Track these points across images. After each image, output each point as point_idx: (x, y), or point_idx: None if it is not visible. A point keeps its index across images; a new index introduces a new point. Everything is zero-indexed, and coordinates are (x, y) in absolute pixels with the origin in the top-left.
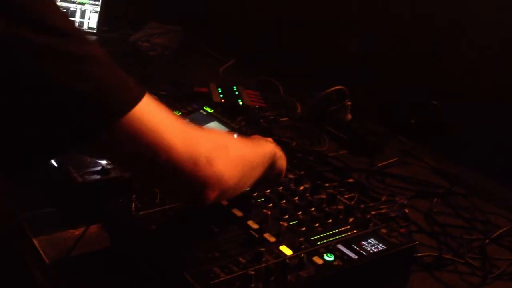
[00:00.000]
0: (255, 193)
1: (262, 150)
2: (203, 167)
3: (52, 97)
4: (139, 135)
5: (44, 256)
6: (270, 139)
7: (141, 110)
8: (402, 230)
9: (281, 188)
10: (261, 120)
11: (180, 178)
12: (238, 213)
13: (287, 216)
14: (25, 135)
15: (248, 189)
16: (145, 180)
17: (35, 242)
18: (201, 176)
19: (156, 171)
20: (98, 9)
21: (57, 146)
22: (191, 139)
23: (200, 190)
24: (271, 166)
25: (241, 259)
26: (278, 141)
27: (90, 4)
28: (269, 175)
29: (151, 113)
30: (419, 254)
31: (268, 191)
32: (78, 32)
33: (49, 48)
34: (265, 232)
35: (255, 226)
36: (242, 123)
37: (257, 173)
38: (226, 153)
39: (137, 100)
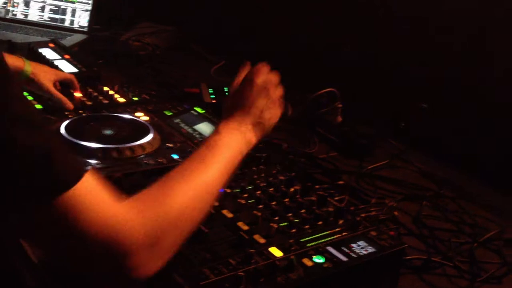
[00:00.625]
0: (245, 194)
1: (227, 159)
2: (118, 259)
3: None
4: (67, 215)
5: (32, 256)
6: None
7: (76, 192)
8: (392, 233)
9: (271, 189)
10: None
11: (95, 265)
12: (229, 214)
13: (277, 218)
14: None
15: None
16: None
17: (24, 242)
18: (114, 267)
19: (72, 253)
20: (89, 7)
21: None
22: (117, 226)
23: (116, 278)
24: (259, 128)
25: (231, 260)
26: (269, 143)
27: (81, 2)
28: (265, 127)
29: (83, 195)
30: (408, 257)
31: (259, 192)
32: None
33: None
34: (255, 233)
35: (245, 227)
36: None
37: (225, 182)
38: (156, 243)
39: (73, 181)
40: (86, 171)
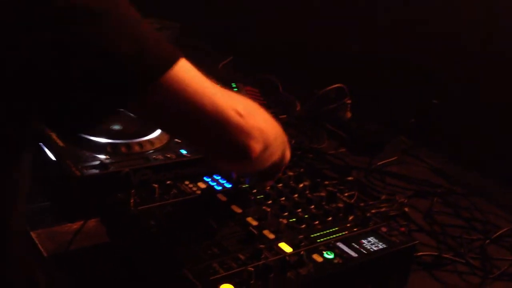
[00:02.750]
0: (254, 189)
1: (280, 128)
2: (246, 118)
3: (96, 62)
4: (184, 86)
5: (42, 250)
6: None
7: (181, 66)
8: (402, 229)
9: (280, 185)
10: None
11: (227, 129)
12: (238, 210)
13: (286, 213)
14: (73, 99)
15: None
16: (193, 137)
17: (33, 235)
18: (245, 125)
19: (204, 122)
20: None
21: (109, 107)
22: (229, 93)
23: (246, 141)
24: (284, 153)
25: (240, 255)
26: None
27: None
28: (282, 162)
29: (191, 69)
30: (418, 254)
31: (268, 187)
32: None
33: (85, 12)
34: (265, 229)
35: (255, 222)
36: None
37: (281, 146)
38: (260, 111)
39: (176, 57)
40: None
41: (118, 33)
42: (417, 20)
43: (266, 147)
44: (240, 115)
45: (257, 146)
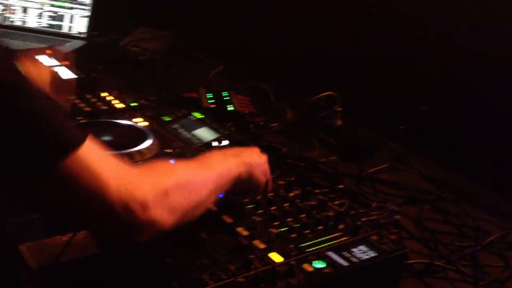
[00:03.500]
0: (245, 199)
1: (218, 171)
2: (135, 212)
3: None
4: (78, 175)
5: (30, 263)
6: (256, 148)
7: (83, 151)
8: (393, 237)
9: (271, 194)
10: (251, 125)
11: (112, 221)
12: (228, 220)
13: (277, 223)
14: None
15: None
16: (77, 220)
17: (22, 248)
18: (132, 220)
19: (89, 211)
20: (88, 13)
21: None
22: (128, 182)
23: (131, 233)
24: (248, 177)
25: (230, 266)
26: (268, 147)
27: (79, 8)
28: (247, 187)
29: (92, 155)
30: (409, 261)
31: (259, 197)
32: (25, 85)
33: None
34: (255, 239)
35: (245, 233)
36: (232, 128)
37: (211, 198)
38: (164, 199)
39: (79, 142)
40: (88, 136)
41: (24, 120)
42: (408, 26)
43: (158, 233)
44: (129, 209)
45: (142, 237)
